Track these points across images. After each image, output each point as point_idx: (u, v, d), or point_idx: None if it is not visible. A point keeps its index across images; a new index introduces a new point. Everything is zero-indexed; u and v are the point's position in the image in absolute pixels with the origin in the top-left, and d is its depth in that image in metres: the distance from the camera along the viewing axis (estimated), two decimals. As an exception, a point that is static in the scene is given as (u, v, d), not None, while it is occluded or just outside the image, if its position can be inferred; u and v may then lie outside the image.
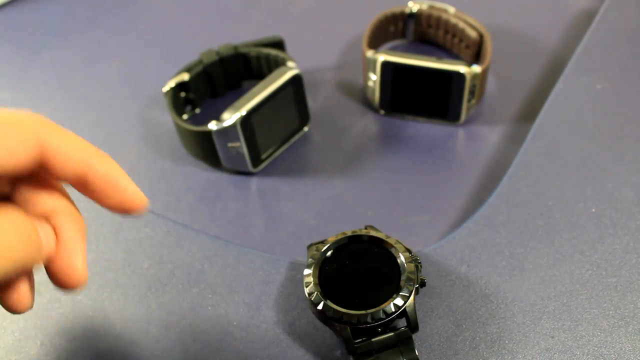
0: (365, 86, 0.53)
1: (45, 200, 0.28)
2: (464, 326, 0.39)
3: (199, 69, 0.52)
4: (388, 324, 0.36)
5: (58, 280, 0.28)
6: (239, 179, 0.49)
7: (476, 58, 0.53)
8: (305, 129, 0.51)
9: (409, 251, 0.38)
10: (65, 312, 0.41)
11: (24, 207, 0.28)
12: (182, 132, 0.49)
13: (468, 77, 0.48)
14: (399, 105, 0.52)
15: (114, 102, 0.55)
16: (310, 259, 0.38)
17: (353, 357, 0.36)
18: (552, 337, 0.38)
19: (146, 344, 0.39)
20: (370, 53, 0.50)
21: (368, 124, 0.53)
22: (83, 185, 0.28)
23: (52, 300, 0.41)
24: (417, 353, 0.36)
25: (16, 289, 0.28)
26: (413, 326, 0.36)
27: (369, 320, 0.35)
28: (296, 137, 0.51)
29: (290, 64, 0.50)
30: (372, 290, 0.37)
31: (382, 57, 0.49)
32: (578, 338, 0.38)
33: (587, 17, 0.59)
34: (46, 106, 0.56)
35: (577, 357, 0.37)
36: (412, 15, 0.56)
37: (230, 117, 0.45)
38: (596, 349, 0.37)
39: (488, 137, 0.51)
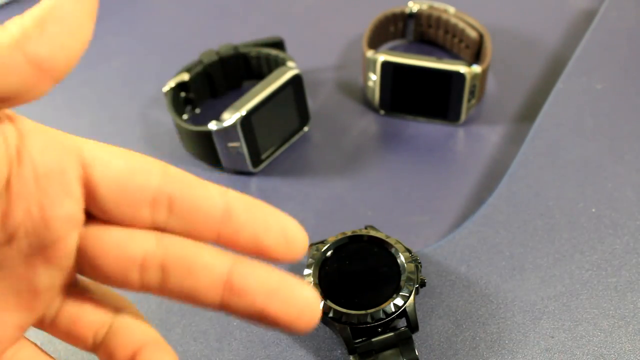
0: (365, 86, 0.53)
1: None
2: (464, 326, 0.39)
3: (199, 69, 0.52)
4: (388, 324, 0.36)
5: None
6: (239, 179, 0.49)
7: (476, 58, 0.53)
8: (305, 129, 0.51)
9: (409, 251, 0.38)
10: (65, 312, 0.41)
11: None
12: (182, 132, 0.49)
13: (468, 77, 0.48)
14: (399, 105, 0.52)
15: (114, 102, 0.55)
16: (310, 259, 0.38)
17: (353, 357, 0.36)
18: (552, 337, 0.38)
19: (146, 344, 0.39)
20: (370, 53, 0.50)
21: (368, 124, 0.53)
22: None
23: (52, 300, 0.41)
24: (417, 353, 0.36)
25: None
26: (413, 326, 0.36)
27: (369, 320, 0.35)
28: (296, 137, 0.51)
29: (290, 64, 0.50)
30: (372, 290, 0.37)
31: (382, 57, 0.49)
32: (578, 338, 0.38)
33: (587, 17, 0.59)
34: (46, 106, 0.56)
35: (577, 357, 0.37)
36: (412, 15, 0.56)
37: (230, 117, 0.45)
38: (596, 349, 0.37)
39: (488, 137, 0.51)
